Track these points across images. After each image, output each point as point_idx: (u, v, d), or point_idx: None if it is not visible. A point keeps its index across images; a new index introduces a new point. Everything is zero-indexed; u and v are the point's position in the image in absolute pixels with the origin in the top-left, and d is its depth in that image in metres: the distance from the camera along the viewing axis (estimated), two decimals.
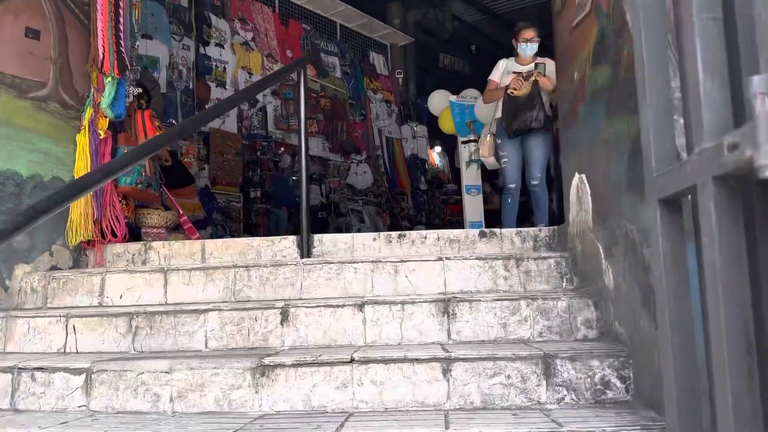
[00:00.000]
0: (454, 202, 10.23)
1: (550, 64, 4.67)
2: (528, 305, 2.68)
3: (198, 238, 4.16)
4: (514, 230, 3.44)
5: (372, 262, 3.06)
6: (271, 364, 2.36)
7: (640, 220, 2.17)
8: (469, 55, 12.88)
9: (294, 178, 9.66)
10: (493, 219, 7.04)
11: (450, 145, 11.34)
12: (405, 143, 10.64)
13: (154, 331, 2.82)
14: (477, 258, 3.05)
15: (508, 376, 2.31)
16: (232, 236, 7.43)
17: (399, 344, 2.66)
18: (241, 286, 3.10)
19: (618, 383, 2.31)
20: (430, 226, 10.24)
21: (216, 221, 7.35)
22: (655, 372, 2.06)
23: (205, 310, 2.78)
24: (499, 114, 4.73)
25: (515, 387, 2.30)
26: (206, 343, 2.76)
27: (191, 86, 7.72)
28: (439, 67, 12.16)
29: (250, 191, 7.99)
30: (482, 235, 3.42)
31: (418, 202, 10.47)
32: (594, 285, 2.76)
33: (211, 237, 7.16)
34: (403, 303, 2.70)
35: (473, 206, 5.87)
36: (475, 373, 2.32)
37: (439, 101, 6.46)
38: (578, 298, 2.70)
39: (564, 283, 3.03)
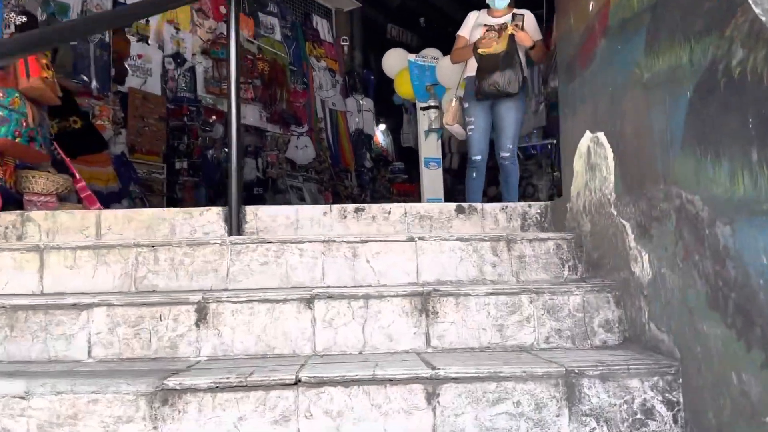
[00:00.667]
0: (402, 180, 9.57)
1: (528, 17, 4.02)
2: (531, 301, 2.02)
3: (99, 210, 3.30)
4: (498, 205, 2.78)
5: (323, 242, 2.33)
6: (178, 387, 1.60)
7: (711, 187, 1.54)
8: (418, 27, 12.18)
9: (227, 149, 8.79)
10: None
11: (397, 122, 10.66)
12: (350, 117, 9.87)
13: (17, 333, 2.00)
14: (458, 239, 2.37)
15: (518, 403, 1.64)
16: None
17: (361, 353, 1.95)
18: (144, 271, 2.30)
19: (663, 410, 1.68)
20: None
21: (133, 194, 6.40)
22: (733, 397, 1.44)
23: (89, 305, 1.98)
24: (469, 73, 4.03)
25: (527, 419, 1.64)
26: (89, 352, 1.96)
27: (107, 39, 6.69)
28: (386, 37, 11.39)
29: (175, 162, 7.05)
30: (460, 210, 2.74)
31: (362, 180, 9.74)
32: (613, 274, 2.13)
33: None
34: (366, 297, 1.98)
35: (432, 181, 5.18)
36: (471, 398, 1.64)
37: (395, 61, 5.71)
38: (595, 293, 2.06)
39: (566, 272, 2.39)
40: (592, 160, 2.28)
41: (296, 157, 8.53)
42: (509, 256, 2.37)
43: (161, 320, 1.96)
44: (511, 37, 3.86)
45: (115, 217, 2.70)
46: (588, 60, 2.30)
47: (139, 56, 6.96)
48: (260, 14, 8.70)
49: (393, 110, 9.64)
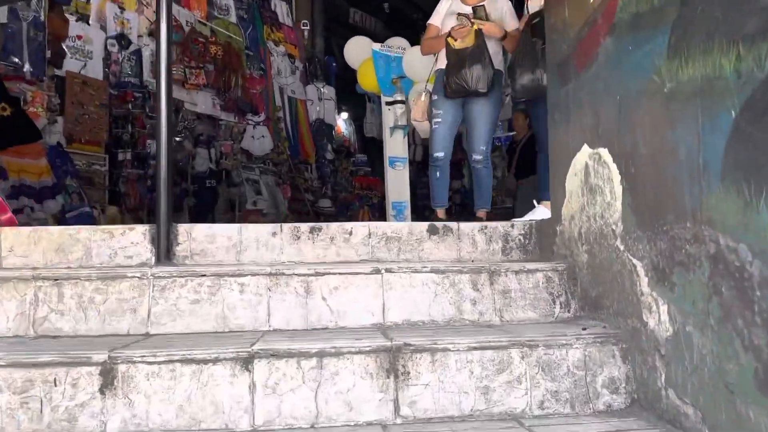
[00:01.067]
0: (364, 174, 9.16)
1: (501, 3, 3.62)
2: (523, 357, 1.66)
3: (9, 221, 2.79)
4: (476, 225, 2.40)
5: (269, 275, 1.91)
6: None
7: (763, 234, 1.19)
8: (383, 14, 11.72)
9: (178, 138, 8.23)
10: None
11: (360, 111, 10.22)
12: (310, 105, 9.39)
13: None
14: (432, 270, 1.98)
15: None
16: (92, 209, 5.97)
17: (313, 426, 1.55)
18: (46, 311, 1.85)
19: None
20: (336, 201, 9.12)
21: (70, 188, 5.83)
22: None
23: None
24: (440, 65, 3.62)
25: None
26: None
27: (42, 18, 6.07)
28: (349, 23, 10.92)
29: (118, 153, 6.48)
30: (432, 231, 2.35)
31: (323, 172, 9.30)
32: (617, 321, 1.78)
33: (63, 209, 5.66)
34: (320, 355, 1.58)
35: (397, 182, 4.76)
36: None
37: (358, 50, 5.26)
38: (598, 345, 1.71)
39: (557, 309, 2.03)
40: (592, 180, 1.91)
41: (252, 147, 8.03)
42: (491, 291, 2.00)
43: (56, 385, 1.52)
44: (479, 31, 3.48)
45: (20, 236, 2.23)
46: (588, 60, 1.94)
47: (79, 37, 6.35)
48: None
49: (356, 99, 9.21)
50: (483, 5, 3.56)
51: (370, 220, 8.90)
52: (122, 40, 6.71)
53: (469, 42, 3.46)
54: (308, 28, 9.59)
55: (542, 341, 1.68)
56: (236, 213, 7.69)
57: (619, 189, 1.76)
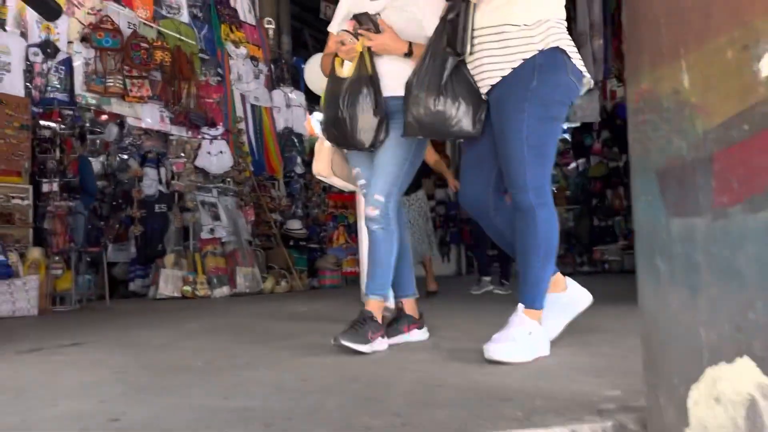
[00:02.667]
0: (339, 191, 8.21)
1: None
2: None
3: None
4: None
5: None
6: None
7: None
8: None
9: (124, 156, 7.23)
10: None
11: None
12: (276, 113, 8.41)
13: None
14: None
15: None
16: (11, 252, 4.98)
17: None
18: None
19: None
20: (307, 219, 8.18)
21: None
22: None
23: None
24: None
25: None
26: None
27: None
28: (320, 19, 9.91)
29: (42, 182, 5.48)
30: None
31: (292, 188, 8.34)
32: None
33: None
34: None
35: None
36: None
37: (321, 73, 4.29)
38: None
39: None
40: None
41: (209, 165, 7.07)
42: None
43: None
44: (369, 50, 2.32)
45: None
46: (755, 192, 1.03)
47: None
48: None
49: None
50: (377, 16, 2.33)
51: (346, 242, 7.97)
52: (48, 48, 5.70)
53: (349, 72, 2.34)
54: (273, 26, 8.58)
55: None
56: (191, 242, 6.74)
57: None
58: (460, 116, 2.01)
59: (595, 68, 8.67)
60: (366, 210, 2.35)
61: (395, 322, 2.50)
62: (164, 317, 4.23)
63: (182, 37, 7.00)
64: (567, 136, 10.18)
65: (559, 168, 10.79)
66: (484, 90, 2.06)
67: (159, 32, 6.74)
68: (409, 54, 2.30)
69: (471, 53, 2.04)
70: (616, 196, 9.26)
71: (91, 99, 6.00)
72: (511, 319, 2.00)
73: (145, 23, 6.62)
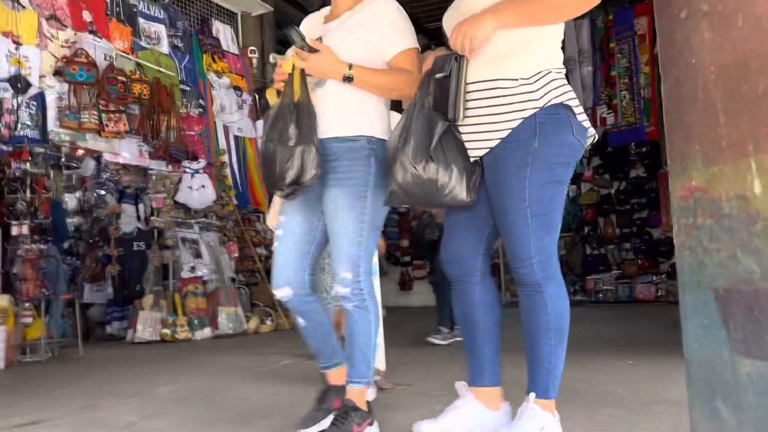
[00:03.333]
0: None
1: (379, 10, 2.03)
2: None
3: None
4: None
5: None
6: None
7: None
8: None
9: (102, 192, 6.97)
10: None
11: None
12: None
13: None
14: None
15: None
16: None
17: None
18: None
19: None
20: None
21: None
22: None
23: None
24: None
25: None
26: None
27: None
28: None
29: (12, 224, 5.19)
30: None
31: None
32: None
33: None
34: None
35: None
36: None
37: None
38: None
39: None
40: None
41: (190, 200, 6.79)
42: None
43: None
44: (303, 79, 1.98)
45: None
46: None
47: None
48: (141, 20, 6.89)
49: None
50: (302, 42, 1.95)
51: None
52: (18, 83, 5.43)
53: (291, 94, 1.98)
54: (256, 55, 8.38)
55: None
56: (170, 281, 6.45)
57: None
58: (453, 183, 1.75)
59: (584, 95, 8.57)
60: (335, 288, 2.04)
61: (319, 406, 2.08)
62: (138, 373, 3.95)
63: (162, 69, 6.77)
64: None
65: None
66: (478, 154, 1.80)
67: (137, 64, 6.51)
68: (349, 78, 1.93)
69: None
70: (608, 224, 9.08)
71: (65, 136, 5.73)
72: (521, 410, 1.76)
73: (122, 55, 6.39)
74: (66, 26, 5.95)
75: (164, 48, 7.04)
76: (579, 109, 1.81)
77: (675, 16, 0.96)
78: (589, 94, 8.56)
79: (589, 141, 1.87)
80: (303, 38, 1.94)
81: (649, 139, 8.41)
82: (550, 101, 1.75)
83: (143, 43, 6.80)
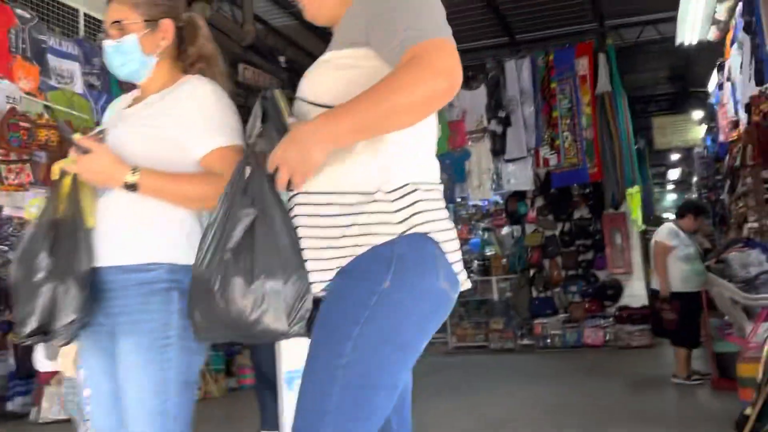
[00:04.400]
0: None
1: (190, 89, 1.57)
2: None
3: None
4: None
5: None
6: None
7: None
8: (279, 68, 10.17)
9: (4, 248, 6.23)
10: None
11: None
12: None
13: None
14: None
15: None
16: None
17: None
18: None
19: None
20: None
21: None
22: None
23: None
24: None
25: None
26: None
27: None
28: (237, 81, 9.26)
29: None
30: None
31: None
32: None
33: None
34: None
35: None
36: None
37: None
38: None
39: None
40: None
41: None
42: None
43: None
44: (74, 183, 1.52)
45: None
46: None
47: None
48: (51, 57, 6.24)
49: None
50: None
51: None
52: None
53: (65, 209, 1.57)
54: None
55: None
56: None
57: None
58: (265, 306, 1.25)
59: (526, 135, 8.40)
60: None
61: None
62: None
63: (73, 111, 6.13)
64: (500, 200, 9.85)
65: (493, 232, 10.44)
66: (316, 290, 1.26)
67: (45, 106, 5.86)
68: (133, 186, 1.45)
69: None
70: (554, 266, 8.89)
71: None
72: None
73: (28, 97, 5.73)
74: None
75: (78, 87, 6.40)
76: (451, 246, 1.29)
77: None
78: (531, 135, 8.40)
79: (460, 290, 1.33)
80: (70, 134, 1.50)
81: (592, 181, 8.29)
82: (413, 228, 1.24)
83: (53, 83, 6.14)
